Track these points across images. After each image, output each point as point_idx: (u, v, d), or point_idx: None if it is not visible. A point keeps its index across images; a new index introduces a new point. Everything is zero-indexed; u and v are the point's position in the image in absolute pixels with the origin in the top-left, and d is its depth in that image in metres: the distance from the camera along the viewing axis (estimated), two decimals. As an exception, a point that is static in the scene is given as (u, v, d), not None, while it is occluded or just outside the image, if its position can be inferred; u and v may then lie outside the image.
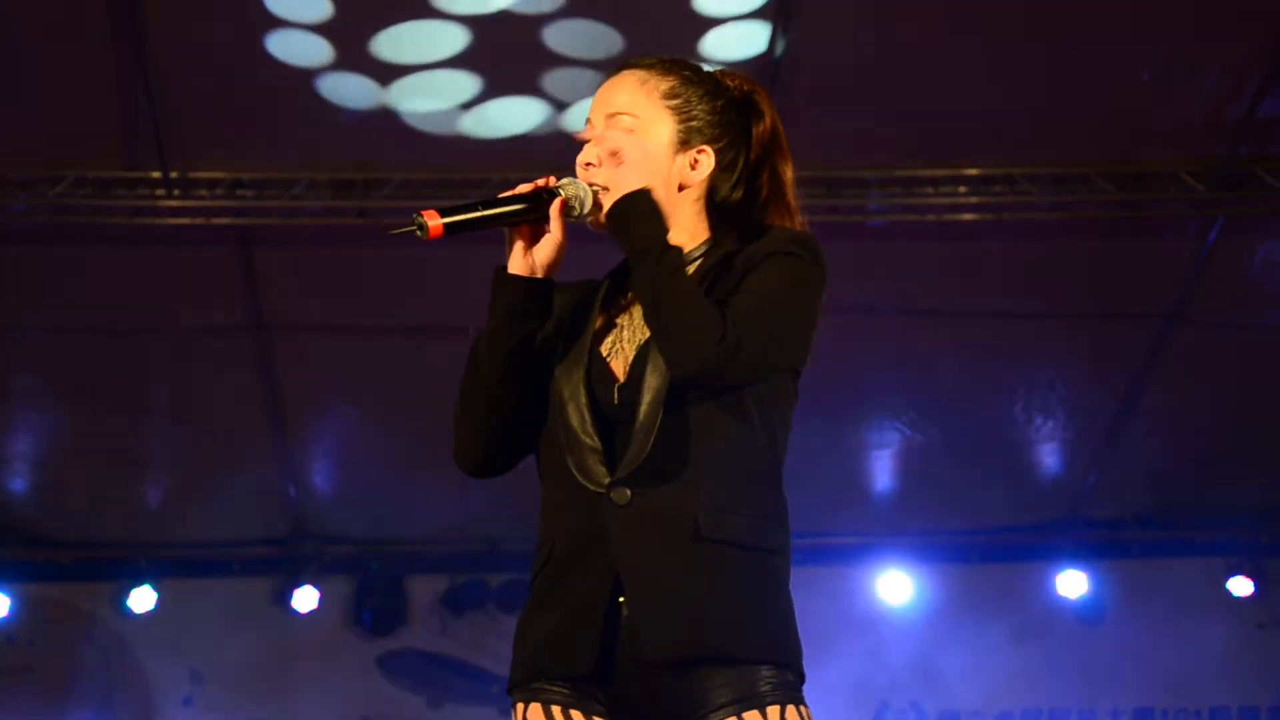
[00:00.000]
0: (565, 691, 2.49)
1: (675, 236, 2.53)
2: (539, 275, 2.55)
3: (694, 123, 2.63)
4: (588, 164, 2.59)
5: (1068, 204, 6.78)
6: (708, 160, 2.63)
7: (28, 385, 7.80)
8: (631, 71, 2.67)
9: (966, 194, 6.81)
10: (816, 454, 8.25)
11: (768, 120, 2.69)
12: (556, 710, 2.48)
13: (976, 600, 8.97)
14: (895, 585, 8.96)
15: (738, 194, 2.67)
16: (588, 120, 2.67)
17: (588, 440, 2.49)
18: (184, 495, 8.46)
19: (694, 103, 2.64)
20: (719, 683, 2.41)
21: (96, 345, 7.44)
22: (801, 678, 2.48)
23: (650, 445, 2.44)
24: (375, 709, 8.81)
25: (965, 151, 6.74)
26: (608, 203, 2.52)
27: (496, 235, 2.49)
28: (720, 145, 2.64)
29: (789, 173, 2.69)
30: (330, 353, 7.57)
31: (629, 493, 2.45)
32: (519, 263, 2.54)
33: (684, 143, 2.62)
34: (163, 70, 6.17)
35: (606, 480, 2.46)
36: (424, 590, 9.03)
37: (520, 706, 2.52)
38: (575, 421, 2.51)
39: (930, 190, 6.82)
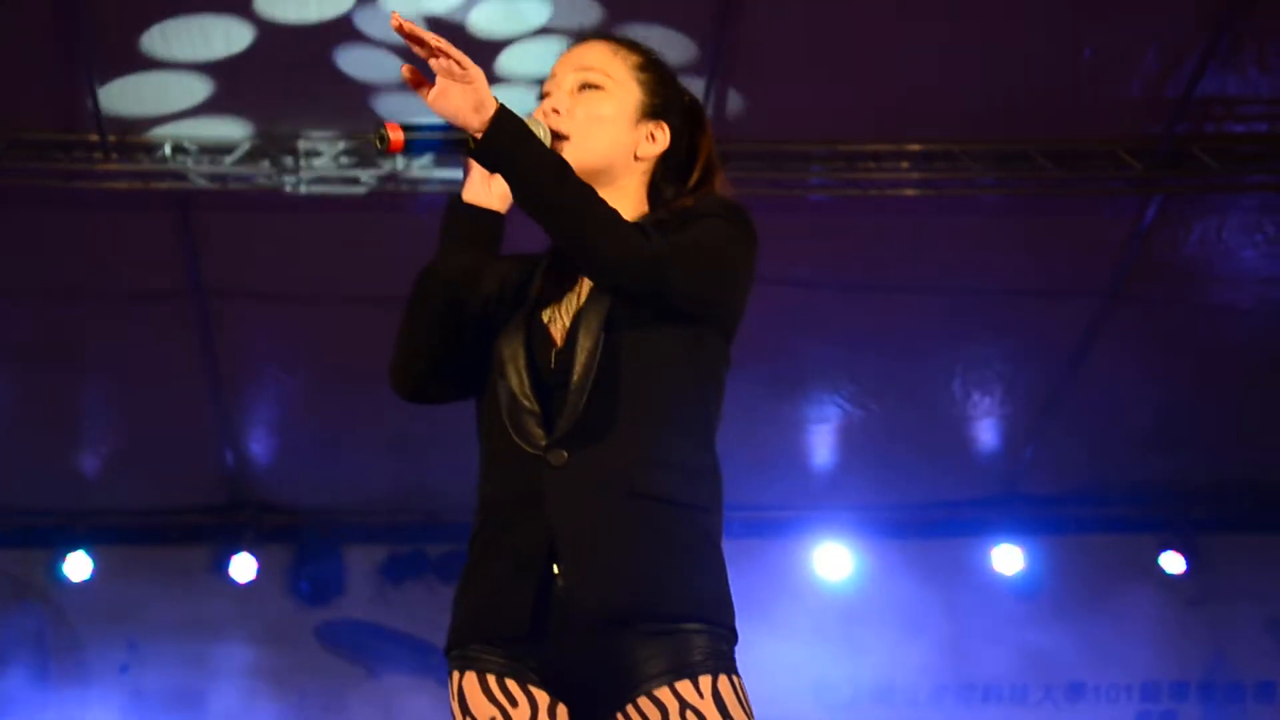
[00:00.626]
0: (501, 660, 2.48)
1: (617, 204, 2.53)
2: (494, 207, 2.61)
3: (657, 99, 2.69)
4: (554, 110, 2.62)
5: (1008, 181, 6.77)
6: (663, 136, 2.69)
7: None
8: (602, 41, 2.73)
9: (908, 170, 6.80)
10: (755, 426, 8.26)
11: (708, 130, 2.78)
12: (492, 680, 2.48)
13: (914, 575, 8.99)
14: (833, 559, 8.96)
15: (672, 182, 2.72)
16: (552, 74, 2.69)
17: (525, 403, 2.50)
18: (121, 462, 8.36)
19: (660, 81, 2.71)
20: (652, 650, 2.41)
21: (34, 309, 7.33)
22: (734, 635, 2.48)
23: (583, 405, 2.46)
24: (313, 678, 8.74)
25: (906, 127, 6.72)
26: (569, 154, 2.55)
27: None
28: (675, 127, 2.71)
29: (719, 182, 2.74)
30: (268, 320, 7.48)
31: (565, 454, 2.46)
32: (475, 191, 2.61)
33: (645, 115, 2.68)
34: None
35: (543, 442, 2.48)
36: (363, 560, 8.95)
37: (456, 675, 2.52)
38: (514, 384, 2.52)
39: (872, 165, 6.81)
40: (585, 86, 2.65)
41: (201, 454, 8.33)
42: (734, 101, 6.52)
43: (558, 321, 2.57)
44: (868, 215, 7.09)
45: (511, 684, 2.48)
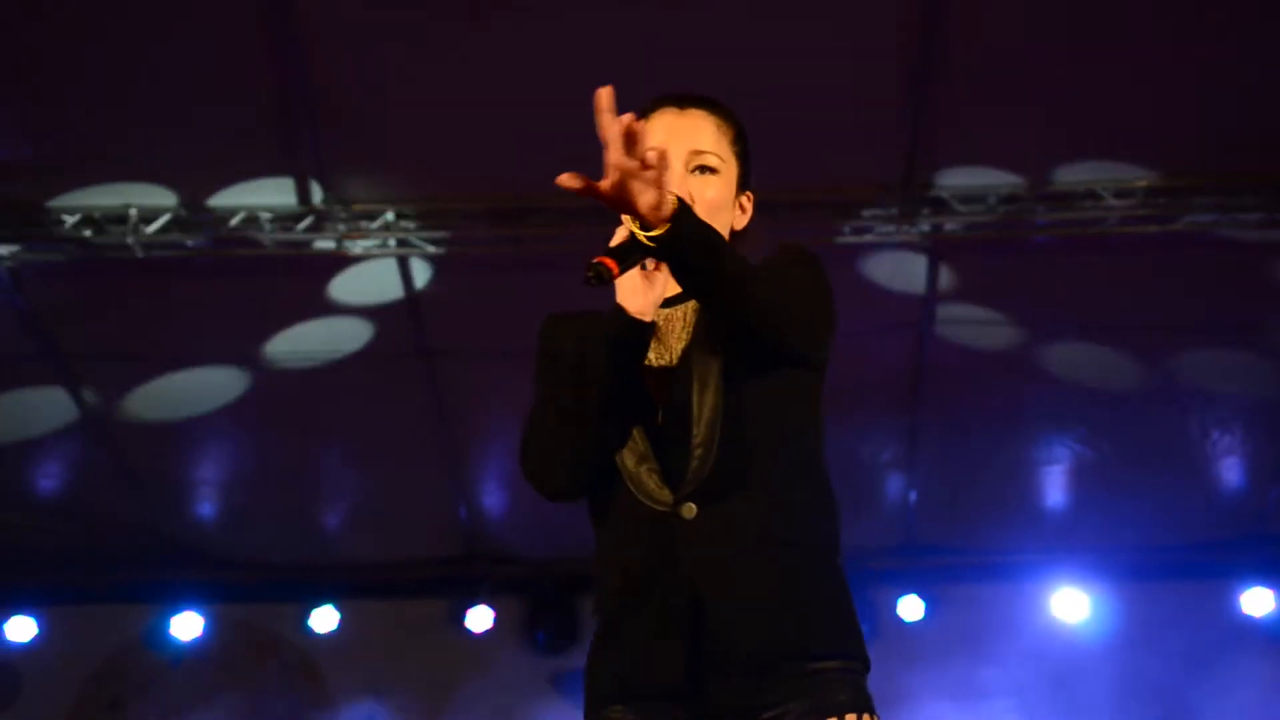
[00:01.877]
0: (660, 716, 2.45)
1: (639, 296, 2.51)
2: (648, 316, 2.51)
3: (747, 171, 2.70)
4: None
5: (1233, 215, 6.44)
6: (749, 206, 2.72)
7: (214, 413, 7.89)
8: (708, 113, 2.69)
9: (1135, 206, 6.52)
10: (990, 471, 8.05)
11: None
12: None
13: (1157, 618, 8.63)
14: (1071, 603, 8.65)
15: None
16: (662, 150, 2.52)
17: (647, 463, 2.50)
18: (361, 518, 8.49)
19: (748, 152, 2.71)
20: (796, 690, 2.41)
21: (271, 378, 7.50)
22: (868, 666, 2.50)
23: (713, 459, 2.47)
24: (552, 727, 8.76)
25: (1133, 163, 6.45)
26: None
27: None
28: (753, 193, 2.73)
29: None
30: (494, 377, 7.53)
31: (695, 508, 2.46)
32: (640, 301, 2.48)
33: (740, 189, 2.69)
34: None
35: (670, 498, 2.47)
36: (596, 608, 8.95)
37: None
38: (635, 447, 2.51)
39: (1090, 204, 6.54)
40: (701, 169, 2.63)
41: (436, 509, 8.41)
42: (939, 143, 6.34)
43: (651, 376, 2.56)
44: (1091, 254, 6.83)
45: None
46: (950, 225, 6.58)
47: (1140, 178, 6.46)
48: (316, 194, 6.50)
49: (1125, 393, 7.58)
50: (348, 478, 8.37)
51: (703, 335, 2.58)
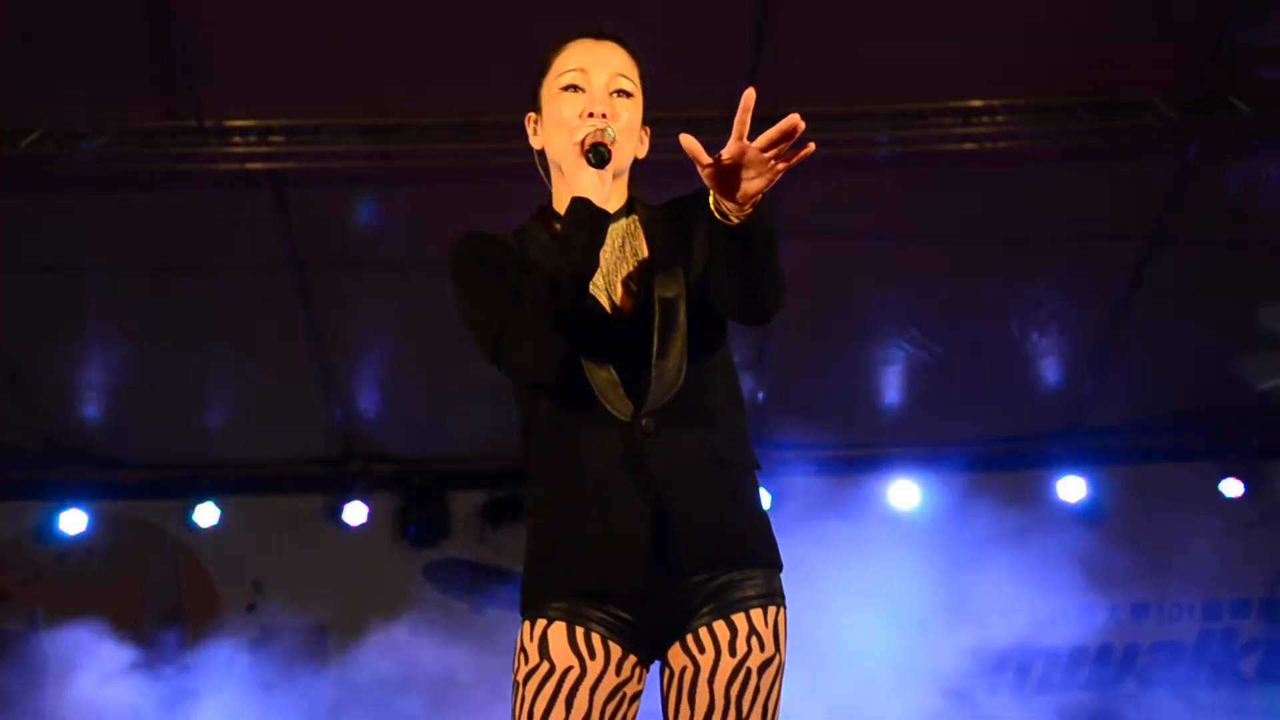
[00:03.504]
0: (599, 614, 2.56)
1: (617, 196, 2.67)
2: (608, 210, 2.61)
3: (647, 106, 2.78)
4: (603, 114, 2.67)
5: (1049, 133, 6.71)
6: (647, 139, 2.81)
7: (97, 321, 7.92)
8: (620, 45, 2.78)
9: (954, 126, 6.76)
10: (826, 371, 8.29)
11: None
12: (580, 632, 2.56)
13: (982, 506, 8.97)
14: (904, 493, 8.98)
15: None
16: (581, 69, 2.73)
17: (606, 372, 2.59)
18: (240, 421, 8.59)
19: (647, 90, 2.79)
20: (749, 585, 2.58)
21: (155, 284, 7.54)
22: (781, 567, 2.68)
23: (678, 387, 2.59)
24: (423, 614, 8.93)
25: (953, 87, 6.68)
26: (615, 158, 2.64)
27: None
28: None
29: None
30: (365, 285, 7.63)
31: (652, 422, 2.57)
32: (599, 197, 2.58)
33: (643, 121, 2.78)
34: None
35: (631, 411, 2.58)
36: (464, 504, 9.14)
37: (542, 623, 2.56)
38: (593, 351, 2.60)
39: (921, 123, 6.77)
40: (619, 92, 2.73)
41: (311, 411, 8.51)
42: (783, 64, 6.50)
43: (602, 294, 2.66)
44: (923, 169, 7.05)
45: (596, 638, 2.56)
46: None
47: (972, 97, 6.69)
48: (189, 110, 6.52)
49: (952, 297, 7.85)
50: (227, 382, 8.42)
51: (657, 260, 2.68)
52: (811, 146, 2.37)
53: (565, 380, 2.58)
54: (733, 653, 2.56)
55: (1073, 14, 6.23)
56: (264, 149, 6.63)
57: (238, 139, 6.60)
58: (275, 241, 7.22)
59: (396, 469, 9.01)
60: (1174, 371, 8.38)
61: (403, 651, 8.69)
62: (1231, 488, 8.99)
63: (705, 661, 2.56)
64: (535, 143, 2.80)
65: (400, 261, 7.50)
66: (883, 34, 6.40)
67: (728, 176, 2.39)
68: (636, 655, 2.61)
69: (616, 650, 2.57)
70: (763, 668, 2.56)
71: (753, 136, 2.37)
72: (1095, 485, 9.00)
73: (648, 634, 2.59)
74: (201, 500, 8.88)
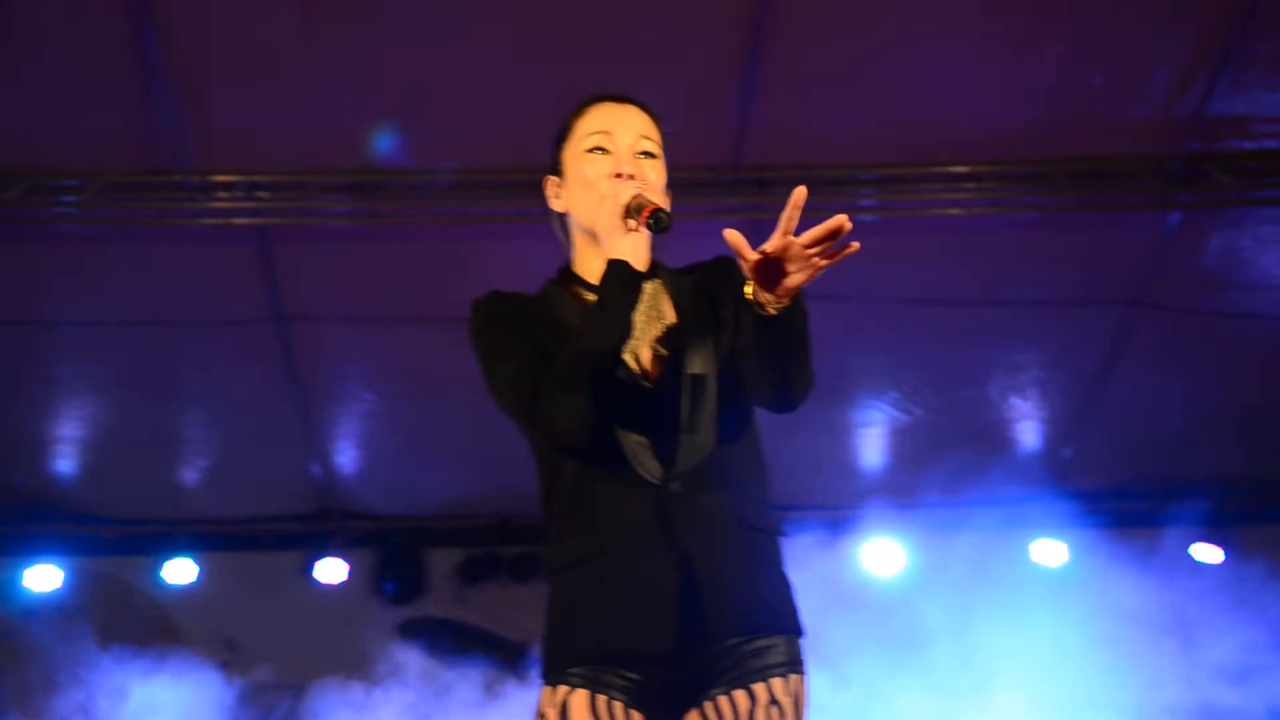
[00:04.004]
0: (623, 681, 2.53)
1: (644, 256, 2.63)
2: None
3: (667, 168, 2.79)
4: (629, 176, 2.68)
5: (1032, 200, 6.75)
6: (668, 201, 2.78)
7: (72, 375, 7.85)
8: (642, 110, 2.79)
9: (940, 190, 6.78)
10: (802, 428, 8.28)
11: None
12: (602, 702, 2.53)
13: (962, 568, 8.96)
14: (883, 555, 8.96)
15: None
16: (605, 131, 2.73)
17: (636, 434, 2.59)
18: (218, 476, 8.52)
19: (667, 150, 2.80)
20: (771, 653, 2.57)
21: (135, 337, 7.49)
22: (804, 634, 2.70)
23: (709, 448, 2.60)
24: (398, 673, 8.84)
25: (941, 152, 6.71)
26: None
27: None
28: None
29: None
30: (346, 341, 7.60)
31: (682, 485, 2.57)
32: (638, 261, 2.58)
33: (665, 185, 2.78)
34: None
35: (661, 473, 2.57)
36: (442, 562, 9.07)
37: (563, 689, 2.53)
38: (623, 413, 2.59)
39: (907, 188, 6.80)
40: (644, 154, 2.73)
41: (290, 467, 8.46)
42: (772, 125, 6.53)
43: (629, 356, 2.64)
44: (906, 233, 7.08)
45: (618, 707, 2.53)
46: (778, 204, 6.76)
47: (957, 163, 6.72)
48: (175, 164, 6.50)
49: (933, 360, 7.87)
50: (205, 437, 8.36)
51: (687, 327, 2.68)
52: (855, 245, 2.38)
53: (594, 441, 2.57)
54: None
55: (1057, 82, 6.26)
56: (249, 204, 6.61)
57: (223, 194, 6.57)
58: (258, 296, 7.18)
59: (374, 526, 8.95)
60: (1150, 437, 8.40)
61: (378, 710, 8.61)
62: (1208, 554, 8.98)
63: None
64: (557, 206, 2.79)
65: (382, 318, 7.48)
66: (870, 97, 6.43)
67: (768, 268, 2.40)
68: None
69: (637, 718, 2.54)
70: None
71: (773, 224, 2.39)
72: (1073, 549, 8.98)
73: (668, 698, 2.56)
74: (175, 556, 8.78)
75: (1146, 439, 8.39)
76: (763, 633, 2.56)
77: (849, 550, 8.92)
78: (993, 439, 8.49)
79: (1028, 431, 8.53)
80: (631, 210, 2.56)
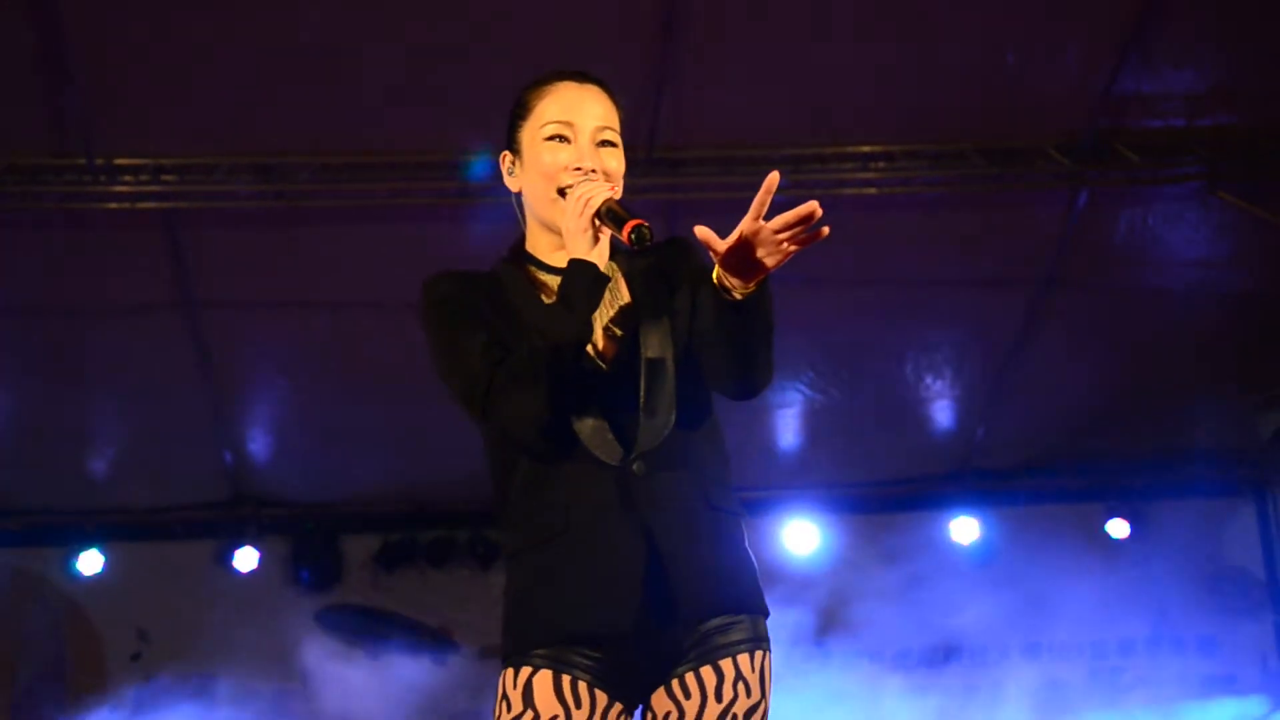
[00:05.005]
0: (587, 660, 2.51)
1: (604, 243, 2.57)
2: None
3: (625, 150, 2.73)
4: (590, 170, 2.62)
5: (946, 179, 6.78)
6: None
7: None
8: (603, 90, 2.73)
9: (854, 170, 6.80)
10: (722, 413, 8.27)
11: None
12: (566, 680, 2.51)
13: (877, 547, 9.03)
14: (801, 535, 8.99)
15: None
16: (567, 121, 2.66)
17: (595, 417, 2.55)
18: (128, 465, 8.38)
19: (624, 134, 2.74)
20: (736, 630, 2.55)
21: (42, 324, 7.34)
22: (768, 614, 2.68)
23: (668, 430, 2.56)
24: (315, 661, 8.75)
25: (851, 131, 6.72)
26: None
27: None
28: None
29: None
30: (257, 326, 7.49)
31: (644, 466, 2.54)
32: (602, 261, 2.55)
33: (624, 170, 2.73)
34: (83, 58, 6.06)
35: (620, 455, 2.54)
36: (358, 549, 8.99)
37: (527, 670, 2.51)
38: (583, 397, 2.55)
39: (818, 167, 6.80)
40: (605, 143, 2.68)
41: (202, 455, 8.33)
42: (685, 107, 6.51)
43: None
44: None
45: (582, 686, 2.51)
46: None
47: (869, 143, 6.73)
48: (79, 147, 6.37)
49: (847, 340, 7.89)
50: (113, 425, 8.21)
51: (642, 310, 2.64)
52: (825, 231, 2.36)
53: (551, 425, 2.53)
54: (719, 698, 2.53)
55: (968, 61, 6.28)
56: (155, 187, 6.49)
57: (128, 177, 6.45)
58: (167, 281, 7.06)
59: (288, 513, 8.84)
60: (1062, 414, 8.48)
61: (294, 699, 8.52)
62: (1118, 528, 9.11)
63: (691, 707, 2.54)
64: (511, 184, 2.74)
65: (293, 303, 7.38)
66: (782, 79, 6.42)
67: (736, 253, 2.38)
68: (621, 702, 2.57)
69: (602, 698, 2.53)
70: (749, 714, 2.55)
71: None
72: (987, 527, 9.07)
73: (633, 678, 2.55)
74: (85, 548, 8.63)
75: (1059, 416, 8.47)
76: (727, 613, 2.55)
77: (769, 531, 8.94)
78: (908, 418, 8.53)
79: (942, 410, 8.58)
80: (602, 215, 2.52)
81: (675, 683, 2.54)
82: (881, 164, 6.77)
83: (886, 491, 9.14)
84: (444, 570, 8.92)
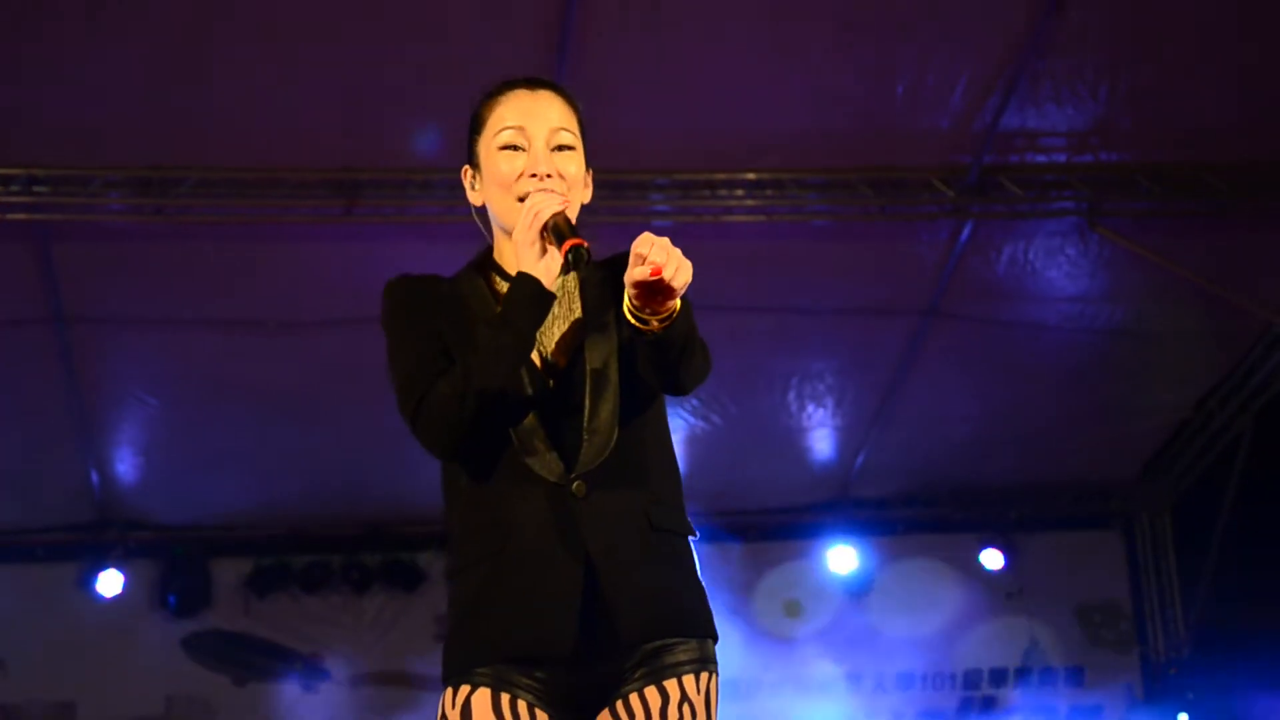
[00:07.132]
0: (528, 681, 2.46)
1: (554, 275, 2.51)
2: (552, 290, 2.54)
3: (588, 151, 2.69)
4: (545, 175, 2.57)
5: (834, 207, 6.82)
6: (590, 183, 2.71)
7: None
8: (556, 93, 2.68)
9: (742, 197, 6.81)
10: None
11: None
12: (505, 699, 2.46)
13: (756, 574, 9.06)
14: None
15: None
16: (519, 127, 2.61)
17: (538, 436, 2.51)
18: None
19: (585, 133, 2.70)
20: (682, 650, 2.50)
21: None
22: (716, 638, 2.63)
23: (611, 448, 2.51)
24: (180, 689, 8.55)
25: (739, 157, 6.73)
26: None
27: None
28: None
29: None
30: (126, 344, 7.30)
31: (585, 486, 2.49)
32: (549, 278, 2.49)
33: (587, 166, 2.69)
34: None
35: (562, 473, 2.50)
36: (228, 573, 8.78)
37: (465, 689, 2.46)
38: (530, 420, 2.51)
39: (707, 193, 6.81)
40: (561, 147, 2.62)
41: (68, 475, 8.10)
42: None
43: (534, 352, 2.54)
44: (705, 239, 7.07)
45: (522, 705, 2.46)
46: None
47: (755, 170, 6.74)
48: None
49: (732, 368, 7.89)
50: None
51: (590, 320, 2.60)
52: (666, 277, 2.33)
53: (493, 441, 2.50)
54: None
55: (857, 91, 6.33)
56: (27, 199, 6.30)
57: (-1, 187, 6.25)
58: (36, 296, 6.85)
59: (156, 536, 8.64)
60: (940, 444, 8.57)
61: (159, 728, 8.33)
62: (991, 559, 9.22)
63: None
64: (474, 198, 2.68)
65: (167, 320, 7.21)
66: (674, 105, 6.42)
67: (664, 289, 2.34)
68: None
69: (543, 718, 2.47)
70: None
71: None
72: (864, 556, 9.13)
73: (576, 699, 2.50)
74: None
75: (937, 447, 8.56)
76: (670, 634, 2.50)
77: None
78: (789, 446, 8.56)
79: (823, 439, 8.63)
80: (549, 229, 2.47)
81: (620, 704, 2.49)
82: (769, 192, 6.79)
83: (767, 519, 9.18)
84: (317, 595, 8.76)
